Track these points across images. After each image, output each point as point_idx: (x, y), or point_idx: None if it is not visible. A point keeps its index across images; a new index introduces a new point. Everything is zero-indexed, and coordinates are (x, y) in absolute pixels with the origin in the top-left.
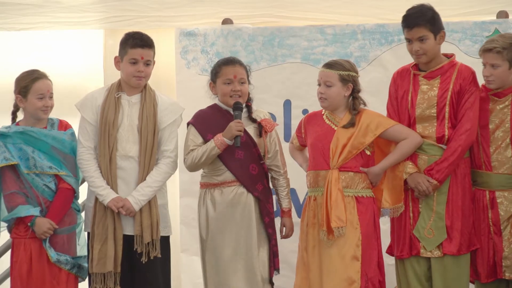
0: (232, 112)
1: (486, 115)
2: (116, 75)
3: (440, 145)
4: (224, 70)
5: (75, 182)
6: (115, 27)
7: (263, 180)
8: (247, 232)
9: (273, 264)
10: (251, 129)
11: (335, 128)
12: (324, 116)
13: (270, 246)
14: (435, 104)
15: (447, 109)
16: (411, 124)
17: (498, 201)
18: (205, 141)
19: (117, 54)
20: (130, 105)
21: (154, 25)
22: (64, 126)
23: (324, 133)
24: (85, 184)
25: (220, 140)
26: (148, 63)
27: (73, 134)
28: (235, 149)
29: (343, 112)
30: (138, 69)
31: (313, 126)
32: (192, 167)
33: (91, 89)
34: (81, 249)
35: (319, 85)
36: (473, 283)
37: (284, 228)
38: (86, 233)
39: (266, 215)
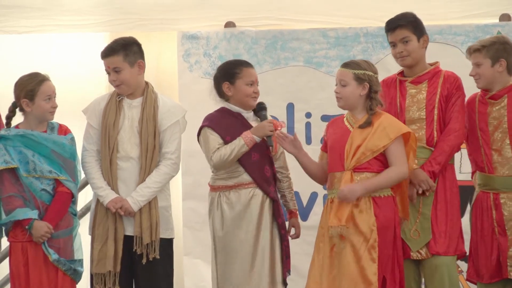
0: (242, 114)
1: (485, 118)
2: None
3: (430, 147)
4: (246, 71)
5: (74, 187)
6: (117, 30)
7: (274, 183)
8: (263, 232)
9: (286, 265)
10: None
11: (352, 130)
12: (344, 118)
13: (283, 247)
14: (424, 107)
15: (436, 111)
16: None
17: (501, 201)
18: (225, 142)
19: None
20: (131, 108)
21: (157, 28)
22: (64, 130)
23: (341, 135)
24: (85, 190)
25: (250, 137)
26: (117, 70)
27: (73, 139)
28: (251, 151)
29: (362, 113)
30: (110, 79)
31: (333, 129)
32: (220, 165)
33: (93, 92)
34: (76, 253)
35: (336, 85)
36: (475, 283)
37: (292, 229)
38: (81, 237)
39: (279, 216)
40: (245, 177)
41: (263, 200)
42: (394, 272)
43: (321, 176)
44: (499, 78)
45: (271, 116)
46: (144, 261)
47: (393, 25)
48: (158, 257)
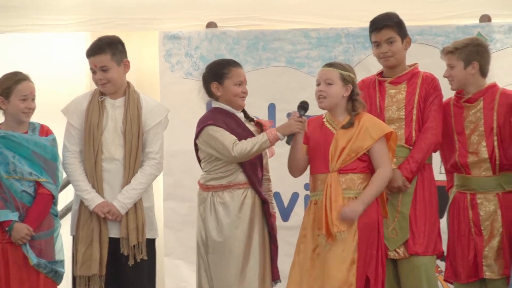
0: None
1: (461, 121)
2: None
3: (409, 146)
4: (235, 71)
5: (54, 189)
6: (98, 29)
7: (262, 184)
8: (256, 233)
9: (276, 265)
10: (254, 132)
11: (335, 132)
12: (324, 120)
13: (273, 247)
14: (403, 107)
15: (414, 111)
16: None
17: (478, 202)
18: None
19: None
20: (114, 108)
21: (138, 28)
22: (45, 131)
23: (324, 137)
24: (65, 190)
25: (274, 134)
26: (104, 69)
27: (54, 140)
28: None
29: (343, 115)
30: (95, 77)
31: (314, 130)
32: (242, 159)
33: (75, 92)
34: (58, 254)
35: (318, 84)
36: (451, 283)
37: None
38: (62, 238)
39: (269, 217)
40: (240, 177)
41: (254, 201)
42: (378, 271)
43: (304, 165)
44: (472, 80)
45: (254, 116)
46: (131, 262)
47: (379, 25)
48: (145, 258)
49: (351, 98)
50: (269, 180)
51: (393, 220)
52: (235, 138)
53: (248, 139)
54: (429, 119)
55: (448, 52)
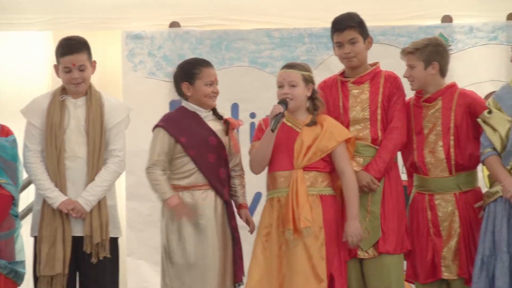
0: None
1: (420, 121)
2: None
3: (375, 146)
4: (205, 71)
5: (14, 190)
6: (60, 29)
7: (228, 184)
8: (219, 235)
9: (239, 267)
10: (219, 131)
11: (298, 130)
12: (284, 119)
13: (236, 250)
14: (368, 107)
15: (379, 111)
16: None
17: (436, 202)
18: (179, 143)
19: None
20: (76, 107)
21: (101, 27)
22: (5, 132)
23: (286, 135)
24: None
25: (173, 203)
26: (82, 68)
27: (14, 140)
28: (208, 152)
29: (304, 115)
30: (72, 76)
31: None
32: (148, 179)
33: (37, 92)
34: (18, 255)
35: (281, 86)
36: (413, 283)
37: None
38: (23, 239)
39: (233, 219)
40: (200, 179)
41: (216, 203)
42: (341, 269)
43: (268, 161)
44: (432, 80)
45: (224, 113)
46: (95, 260)
47: (341, 26)
48: (109, 255)
49: (312, 97)
50: (241, 175)
51: (364, 220)
52: (163, 160)
53: (165, 183)
54: (394, 118)
55: (408, 53)
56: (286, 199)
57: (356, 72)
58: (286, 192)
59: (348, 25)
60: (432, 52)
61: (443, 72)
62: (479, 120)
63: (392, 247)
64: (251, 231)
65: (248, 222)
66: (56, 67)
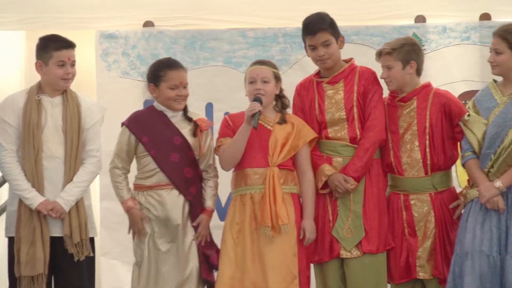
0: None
1: (395, 121)
2: (38, 77)
3: (354, 145)
4: (170, 75)
5: None
6: (34, 28)
7: (197, 184)
8: (182, 235)
9: (205, 266)
10: (186, 131)
11: (270, 128)
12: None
13: (200, 248)
14: (343, 107)
15: (355, 110)
16: (321, 129)
17: (411, 202)
18: (140, 142)
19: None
20: (53, 106)
21: (74, 27)
22: None
23: (259, 133)
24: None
25: (127, 207)
26: (74, 63)
27: None
28: (171, 152)
29: (272, 112)
30: (66, 71)
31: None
32: (110, 175)
33: (11, 91)
34: None
35: (252, 82)
36: (388, 283)
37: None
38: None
39: (194, 219)
40: (162, 178)
41: (180, 201)
42: (308, 268)
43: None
44: (409, 80)
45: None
46: (76, 259)
47: (314, 29)
48: (91, 254)
49: (279, 95)
50: (213, 177)
51: (347, 219)
52: (122, 158)
53: (122, 185)
54: (370, 116)
55: (386, 54)
56: (260, 196)
57: (331, 72)
58: (260, 189)
59: (320, 28)
60: (409, 52)
61: (419, 71)
62: (460, 123)
63: (375, 246)
64: (197, 242)
65: (196, 229)
66: (39, 64)
